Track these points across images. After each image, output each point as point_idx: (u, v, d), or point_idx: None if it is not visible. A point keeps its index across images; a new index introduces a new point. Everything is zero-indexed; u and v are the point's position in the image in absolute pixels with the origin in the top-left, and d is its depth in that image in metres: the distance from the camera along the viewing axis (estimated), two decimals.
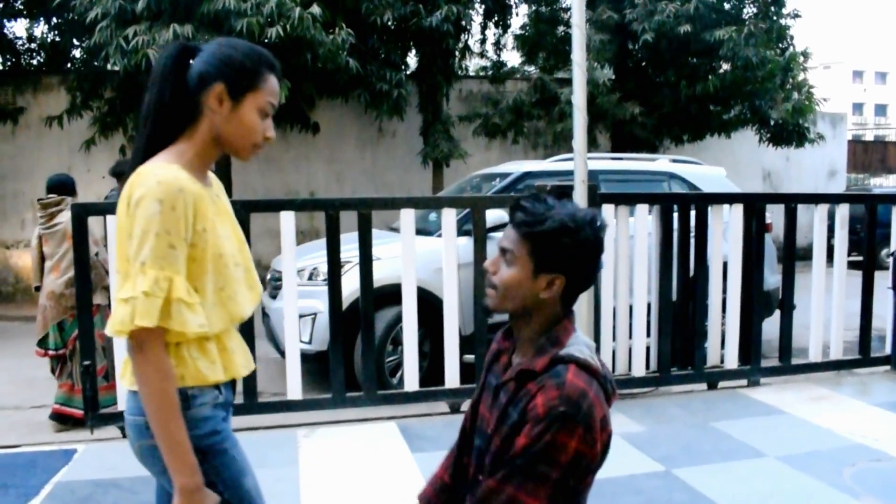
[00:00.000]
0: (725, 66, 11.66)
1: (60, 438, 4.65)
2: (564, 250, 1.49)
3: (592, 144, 12.51)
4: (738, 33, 10.45)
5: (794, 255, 5.43)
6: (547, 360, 1.49)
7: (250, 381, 4.51)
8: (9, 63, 12.04)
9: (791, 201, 5.43)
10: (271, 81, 1.70)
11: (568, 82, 11.31)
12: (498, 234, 5.17)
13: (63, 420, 4.97)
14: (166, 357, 1.57)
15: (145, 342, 1.54)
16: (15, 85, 11.92)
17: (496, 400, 1.57)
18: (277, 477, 3.77)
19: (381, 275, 4.88)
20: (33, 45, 12.31)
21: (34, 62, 12.44)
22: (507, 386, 1.55)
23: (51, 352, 4.96)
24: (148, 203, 1.53)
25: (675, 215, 5.19)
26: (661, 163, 6.88)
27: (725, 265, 5.27)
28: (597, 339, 4.85)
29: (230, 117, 1.67)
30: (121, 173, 5.69)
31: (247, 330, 4.47)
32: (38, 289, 5.16)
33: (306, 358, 5.03)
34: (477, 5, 12.47)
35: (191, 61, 1.69)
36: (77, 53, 11.92)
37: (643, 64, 12.35)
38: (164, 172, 1.57)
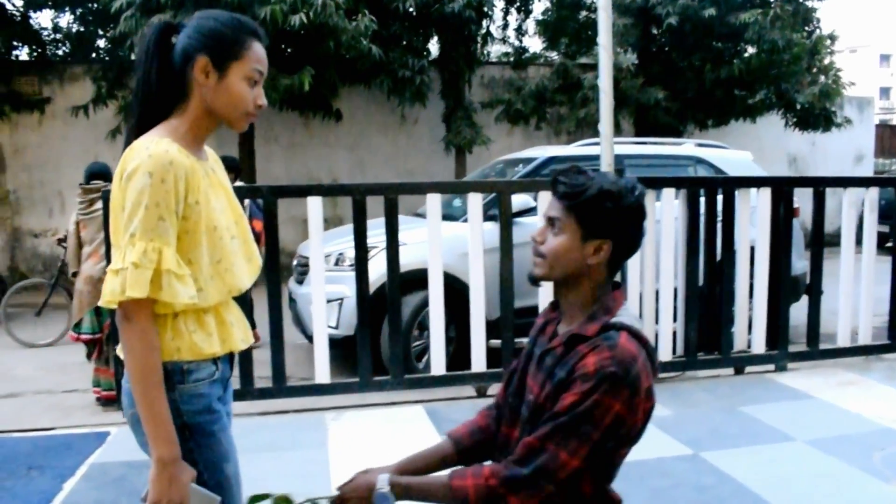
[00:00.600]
0: (751, 50, 11.51)
1: (93, 421, 4.73)
2: (609, 215, 1.52)
3: (616, 129, 12.36)
4: (763, 16, 10.32)
5: (822, 239, 5.38)
6: (598, 326, 1.51)
7: (279, 365, 4.57)
8: (35, 54, 12.15)
9: (819, 185, 5.38)
10: (255, 48, 1.70)
11: (591, 67, 11.26)
12: (522, 220, 5.24)
13: (110, 402, 5.04)
14: (153, 329, 1.59)
15: (133, 313, 1.56)
16: (41, 75, 12.06)
17: (541, 365, 1.59)
18: (308, 458, 3.82)
19: (407, 260, 4.90)
20: (59, 36, 12.42)
21: (59, 52, 12.55)
22: (555, 350, 1.57)
23: (84, 336, 5.02)
24: (138, 176, 1.55)
25: (702, 199, 5.16)
26: (686, 147, 6.83)
27: (752, 250, 5.24)
28: None
29: (218, 88, 1.67)
30: None
31: (275, 315, 4.54)
32: (75, 274, 5.22)
33: (333, 343, 5.07)
34: None
35: (174, 38, 1.70)
36: (101, 43, 12.03)
37: (667, 48, 12.23)
38: (155, 146, 1.58)
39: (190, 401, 1.67)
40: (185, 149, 1.64)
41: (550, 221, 1.59)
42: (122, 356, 1.68)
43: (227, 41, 1.66)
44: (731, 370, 5.30)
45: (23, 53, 11.93)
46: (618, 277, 4.71)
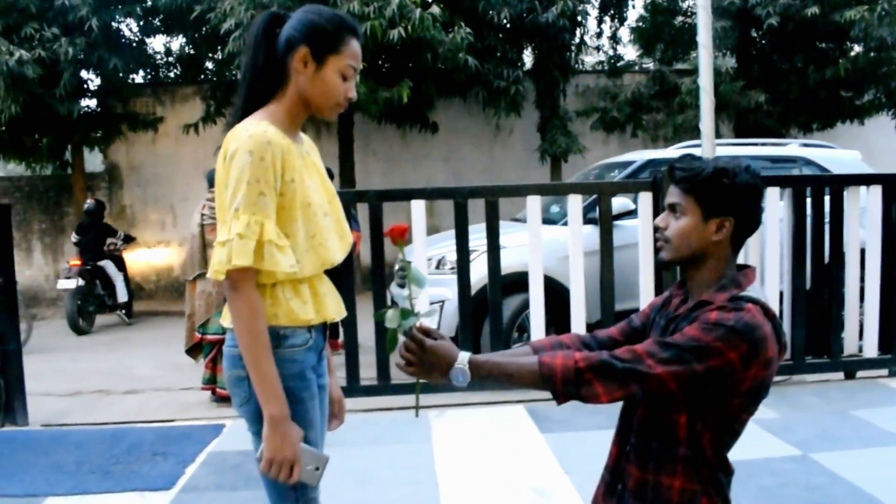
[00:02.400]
0: (857, 49, 11.11)
1: (209, 415, 5.00)
2: (727, 192, 1.58)
3: (715, 134, 12.19)
4: (870, 12, 9.91)
5: None
6: (727, 296, 1.56)
7: (383, 363, 4.73)
8: (149, 76, 12.89)
9: None
10: (352, 45, 1.81)
11: (688, 73, 11.10)
12: (622, 223, 5.25)
13: (226, 401, 5.24)
14: (258, 296, 1.70)
15: (239, 282, 1.68)
16: (155, 96, 12.81)
17: (665, 332, 1.64)
18: (413, 451, 3.95)
19: (507, 263, 4.98)
20: (171, 59, 13.13)
21: (171, 75, 13.27)
22: (681, 315, 1.62)
23: (209, 336, 5.25)
24: (240, 155, 1.68)
25: (808, 200, 5.04)
26: (791, 147, 6.65)
27: (863, 252, 5.07)
28: None
29: (314, 78, 1.79)
30: None
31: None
32: (198, 277, 5.39)
33: None
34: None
35: (280, 28, 1.83)
36: (210, 65, 12.64)
37: (768, 50, 11.91)
38: (254, 128, 1.70)
39: (284, 365, 1.76)
40: (282, 131, 1.77)
41: (672, 208, 1.65)
42: (226, 325, 1.84)
43: (327, 35, 1.79)
44: (840, 375, 5.15)
45: (138, 77, 12.67)
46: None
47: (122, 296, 9.97)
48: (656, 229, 1.69)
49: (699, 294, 1.63)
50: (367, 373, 4.88)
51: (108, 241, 9.86)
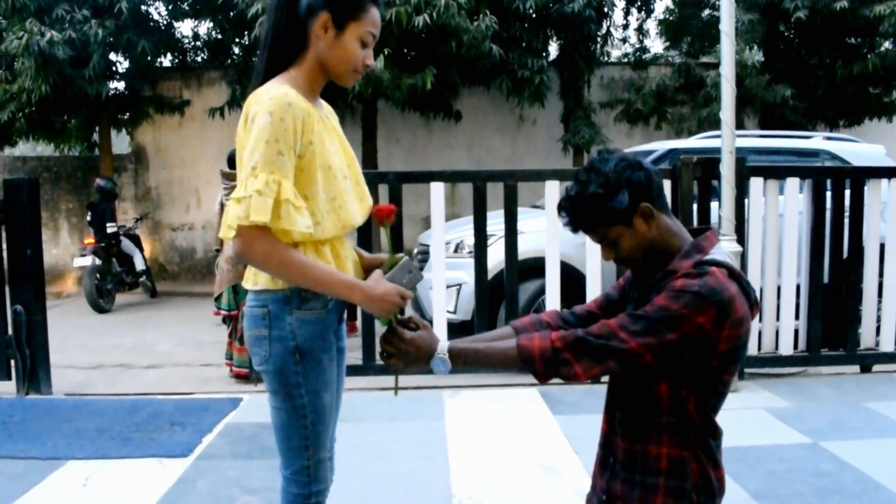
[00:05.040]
0: (886, 44, 10.98)
1: (228, 389, 5.10)
2: (615, 195, 1.58)
3: (740, 128, 12.09)
4: None
5: None
6: (692, 262, 1.57)
7: None
8: (176, 60, 13.01)
9: None
10: (373, 13, 1.83)
11: (714, 66, 11.01)
12: None
13: (242, 378, 5.36)
14: (275, 244, 1.71)
15: (254, 240, 1.70)
16: (182, 80, 12.94)
17: (638, 305, 1.66)
18: (427, 428, 4.01)
19: (525, 248, 5.01)
20: (198, 43, 13.23)
21: (198, 59, 13.38)
22: (651, 286, 1.64)
23: (222, 311, 5.37)
24: (261, 116, 1.70)
25: (829, 193, 5.02)
26: (814, 140, 6.59)
27: (882, 247, 5.05)
28: None
29: (333, 44, 1.81)
30: None
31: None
32: (217, 251, 5.62)
33: (451, 327, 5.25)
34: None
35: None
36: (236, 49, 12.72)
37: (795, 44, 11.80)
38: (275, 90, 1.73)
39: (303, 326, 1.82)
40: (302, 96, 1.79)
41: (603, 243, 1.67)
42: (248, 286, 1.87)
43: (348, 2, 1.80)
44: (856, 368, 5.13)
45: (166, 60, 12.79)
46: (737, 265, 4.62)
47: (139, 264, 10.09)
48: (615, 261, 1.71)
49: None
50: None
51: (108, 224, 9.61)
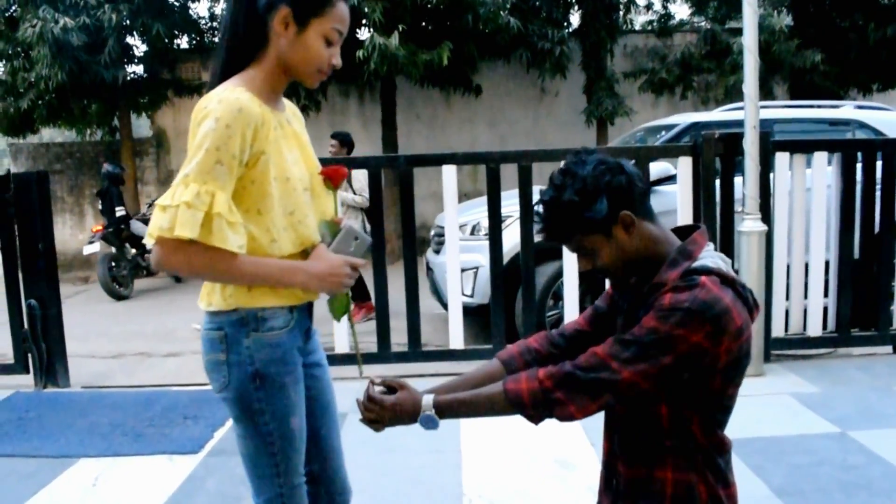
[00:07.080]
0: None
1: None
2: (592, 204, 1.43)
3: (769, 96, 11.76)
4: None
5: None
6: (679, 272, 1.44)
7: (414, 330, 4.71)
8: (194, 42, 12.95)
9: None
10: (339, 8, 1.67)
11: (741, 32, 10.68)
12: (661, 188, 5.10)
13: None
14: (199, 252, 1.57)
15: (177, 250, 1.56)
16: (200, 61, 12.88)
17: (627, 317, 1.53)
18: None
19: None
20: (215, 24, 13.15)
21: (216, 40, 13.28)
22: (638, 299, 1.51)
23: None
24: (206, 121, 1.55)
25: (859, 166, 4.81)
26: (844, 110, 6.32)
27: None
28: (768, 297, 4.61)
29: (295, 42, 1.66)
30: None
31: (411, 283, 4.69)
32: None
33: (469, 311, 5.15)
34: None
35: None
36: None
37: (826, 7, 11.40)
38: (226, 94, 1.58)
39: (263, 349, 1.69)
40: (259, 98, 1.65)
41: (579, 253, 1.53)
42: (202, 307, 1.74)
43: None
44: (888, 349, 4.95)
45: (183, 42, 12.73)
46: (761, 250, 4.44)
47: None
48: (591, 272, 1.56)
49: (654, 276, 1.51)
50: (398, 338, 4.87)
51: (117, 208, 9.39)
